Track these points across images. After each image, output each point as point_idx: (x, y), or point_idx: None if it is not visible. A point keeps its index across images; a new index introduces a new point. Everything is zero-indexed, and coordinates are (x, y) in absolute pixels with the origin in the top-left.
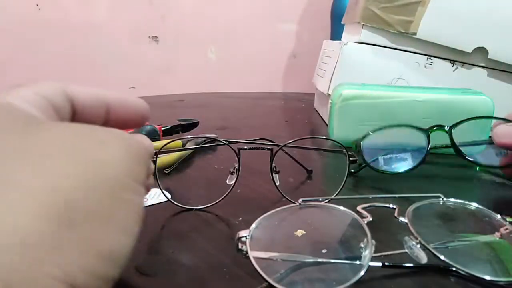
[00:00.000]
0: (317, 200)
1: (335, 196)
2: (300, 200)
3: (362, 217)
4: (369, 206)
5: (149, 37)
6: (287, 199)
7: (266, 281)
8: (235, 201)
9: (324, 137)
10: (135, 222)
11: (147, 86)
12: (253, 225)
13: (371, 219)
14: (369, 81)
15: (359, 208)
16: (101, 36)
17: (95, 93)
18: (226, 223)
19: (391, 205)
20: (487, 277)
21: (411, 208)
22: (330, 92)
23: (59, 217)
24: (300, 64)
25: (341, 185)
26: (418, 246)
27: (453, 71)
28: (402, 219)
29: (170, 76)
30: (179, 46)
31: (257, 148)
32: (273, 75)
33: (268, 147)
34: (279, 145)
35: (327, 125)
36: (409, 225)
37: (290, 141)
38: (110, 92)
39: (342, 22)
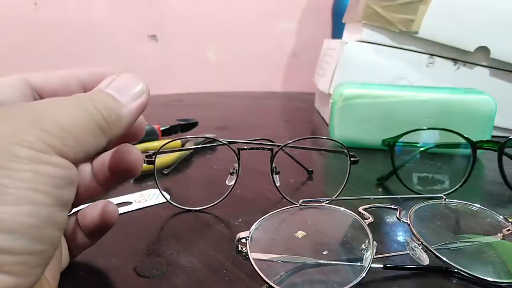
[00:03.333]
0: (318, 201)
1: (336, 197)
2: (300, 201)
3: (364, 218)
4: (370, 207)
5: (148, 36)
6: (288, 200)
7: (266, 282)
8: (235, 202)
9: (325, 137)
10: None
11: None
12: (253, 226)
13: (372, 220)
14: (371, 80)
15: (360, 209)
16: (100, 35)
17: (63, 74)
18: (226, 224)
19: (393, 206)
20: (489, 279)
21: (413, 209)
22: (331, 92)
23: None
24: (301, 63)
25: (342, 186)
26: (420, 247)
27: (455, 70)
28: (404, 220)
29: (169, 75)
30: (178, 45)
31: (257, 148)
32: (274, 75)
33: (268, 147)
34: (280, 145)
35: (327, 124)
36: (411, 226)
37: (290, 141)
38: (80, 69)
39: (343, 21)
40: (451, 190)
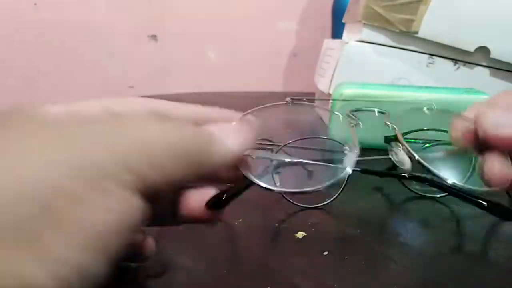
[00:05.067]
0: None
1: (336, 197)
2: (288, 98)
3: (351, 121)
4: (357, 110)
5: (148, 36)
6: (287, 200)
7: (246, 178)
8: (234, 202)
9: (325, 137)
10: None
11: (146, 86)
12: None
13: (360, 124)
14: (370, 80)
15: (348, 111)
16: (100, 35)
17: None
18: (226, 224)
19: (382, 110)
20: (468, 187)
21: (400, 112)
22: (331, 92)
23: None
24: (301, 63)
25: (342, 186)
26: (402, 151)
27: (455, 70)
28: (390, 124)
29: (170, 75)
30: (178, 45)
31: (256, 148)
32: (274, 75)
33: (268, 147)
34: (280, 145)
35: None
36: (396, 130)
37: (290, 141)
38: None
39: (343, 21)
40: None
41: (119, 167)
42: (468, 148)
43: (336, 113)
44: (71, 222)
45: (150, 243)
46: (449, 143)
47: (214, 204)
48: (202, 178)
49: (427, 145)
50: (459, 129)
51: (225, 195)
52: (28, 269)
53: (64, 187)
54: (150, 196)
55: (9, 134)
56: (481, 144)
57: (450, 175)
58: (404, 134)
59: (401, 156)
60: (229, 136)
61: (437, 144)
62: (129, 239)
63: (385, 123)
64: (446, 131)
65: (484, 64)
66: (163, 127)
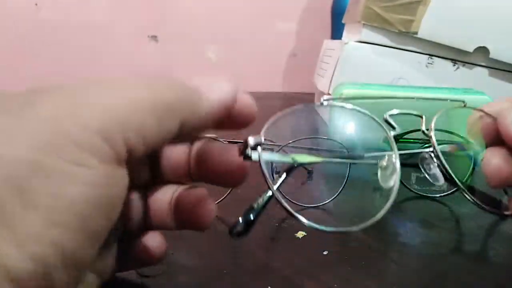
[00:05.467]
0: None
1: (335, 197)
2: (324, 97)
3: (390, 127)
4: (397, 114)
5: (148, 36)
6: (288, 199)
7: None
8: (235, 202)
9: (325, 137)
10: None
11: None
12: (265, 127)
13: (399, 131)
14: (370, 81)
15: (387, 116)
16: (101, 35)
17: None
18: (227, 224)
19: (417, 113)
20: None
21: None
22: (330, 92)
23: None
24: (301, 64)
25: (342, 186)
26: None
27: (454, 70)
28: (427, 132)
29: (170, 75)
30: (179, 46)
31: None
32: (273, 75)
33: (269, 147)
34: (280, 145)
35: (328, 124)
36: (433, 140)
37: (290, 141)
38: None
39: (342, 21)
40: (449, 192)
41: (96, 138)
42: (485, 143)
43: (373, 117)
44: (45, 198)
45: (161, 244)
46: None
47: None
48: (185, 133)
49: (426, 145)
50: (478, 123)
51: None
52: (3, 249)
53: (34, 162)
54: (130, 159)
55: None
56: (500, 141)
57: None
58: (403, 134)
59: (433, 170)
60: (214, 87)
61: (439, 144)
62: (113, 216)
63: (423, 131)
64: (447, 131)
65: (484, 64)
66: (143, 83)
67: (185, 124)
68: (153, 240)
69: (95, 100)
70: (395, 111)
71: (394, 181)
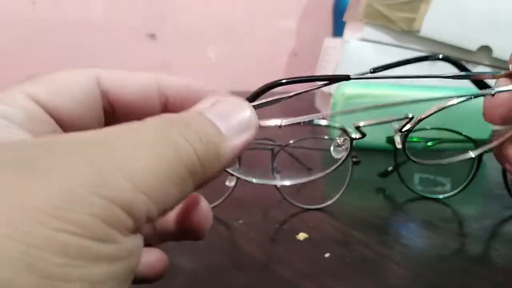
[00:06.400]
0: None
1: (337, 198)
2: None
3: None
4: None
5: (147, 35)
6: (288, 201)
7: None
8: (235, 203)
9: (326, 137)
10: None
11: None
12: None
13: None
14: (371, 80)
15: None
16: (98, 34)
17: (145, 79)
18: (226, 225)
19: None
20: None
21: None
22: (331, 91)
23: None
24: (301, 62)
25: (344, 187)
26: None
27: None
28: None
29: (169, 74)
30: (177, 45)
31: (258, 148)
32: (274, 74)
33: (269, 147)
34: (281, 145)
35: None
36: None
37: (291, 141)
38: (166, 76)
39: (344, 20)
40: (452, 193)
41: (121, 213)
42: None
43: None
44: (67, 285)
45: (164, 260)
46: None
47: None
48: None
49: (429, 143)
50: (496, 107)
51: None
52: None
53: (57, 243)
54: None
55: None
56: None
57: None
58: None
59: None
60: (236, 131)
61: (439, 142)
62: (130, 280)
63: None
64: (450, 130)
65: (487, 63)
66: (168, 140)
67: (202, 182)
68: (155, 256)
69: (119, 166)
70: (365, 122)
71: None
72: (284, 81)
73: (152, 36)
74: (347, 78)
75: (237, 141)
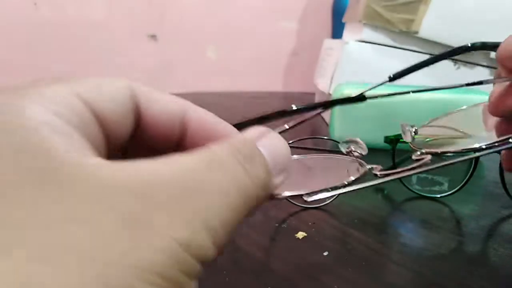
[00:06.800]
0: None
1: (336, 198)
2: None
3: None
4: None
5: (148, 35)
6: (288, 200)
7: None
8: None
9: (325, 137)
10: None
11: (145, 85)
12: None
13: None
14: (371, 80)
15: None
16: (100, 35)
17: (170, 105)
18: None
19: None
20: None
21: None
22: (331, 92)
23: None
24: (301, 63)
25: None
26: None
27: (455, 70)
28: None
29: (169, 75)
30: (178, 45)
31: None
32: (274, 74)
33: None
34: None
35: (328, 125)
36: None
37: (291, 141)
38: (189, 103)
39: (343, 21)
40: (449, 193)
41: (195, 263)
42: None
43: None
44: None
45: None
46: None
47: None
48: None
49: (427, 139)
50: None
51: None
52: None
53: None
54: None
55: None
56: None
57: None
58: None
59: None
60: (276, 159)
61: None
62: None
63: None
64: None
65: (484, 64)
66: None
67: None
68: None
69: (201, 218)
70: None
71: None
72: (295, 108)
73: (153, 36)
74: (362, 98)
75: (278, 181)
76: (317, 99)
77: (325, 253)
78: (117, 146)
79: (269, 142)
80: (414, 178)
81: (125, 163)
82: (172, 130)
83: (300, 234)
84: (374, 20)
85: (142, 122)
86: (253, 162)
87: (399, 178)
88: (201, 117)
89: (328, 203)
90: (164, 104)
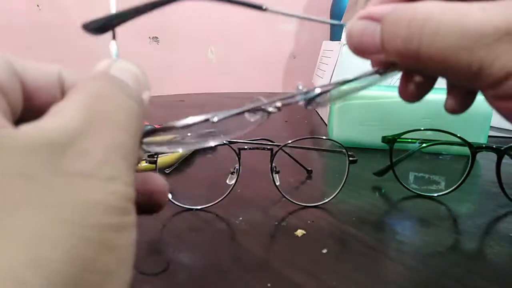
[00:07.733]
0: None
1: (334, 196)
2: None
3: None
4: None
5: (149, 37)
6: (287, 198)
7: None
8: (235, 201)
9: (324, 137)
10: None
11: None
12: None
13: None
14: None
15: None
16: (102, 37)
17: (45, 68)
18: (227, 222)
19: None
20: None
21: None
22: None
23: None
24: (300, 65)
25: (341, 185)
26: None
27: None
28: None
29: (171, 76)
30: (179, 47)
31: (257, 148)
32: (273, 76)
33: (268, 147)
34: (279, 145)
35: (326, 125)
36: None
37: (290, 141)
38: (61, 67)
39: (341, 22)
40: (446, 191)
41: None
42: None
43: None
44: None
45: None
46: (445, 143)
47: None
48: None
49: (424, 144)
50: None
51: None
52: None
53: None
54: None
55: None
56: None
57: None
58: (402, 133)
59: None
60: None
61: (434, 144)
62: None
63: None
64: (444, 131)
65: None
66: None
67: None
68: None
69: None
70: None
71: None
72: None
73: (155, 38)
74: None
75: (146, 96)
76: None
77: (324, 251)
78: (16, 118)
79: (121, 66)
80: (411, 177)
81: (24, 125)
82: (54, 90)
83: (299, 232)
84: None
85: (26, 89)
86: (123, 85)
87: (397, 178)
88: (72, 72)
89: (326, 201)
90: (37, 67)
